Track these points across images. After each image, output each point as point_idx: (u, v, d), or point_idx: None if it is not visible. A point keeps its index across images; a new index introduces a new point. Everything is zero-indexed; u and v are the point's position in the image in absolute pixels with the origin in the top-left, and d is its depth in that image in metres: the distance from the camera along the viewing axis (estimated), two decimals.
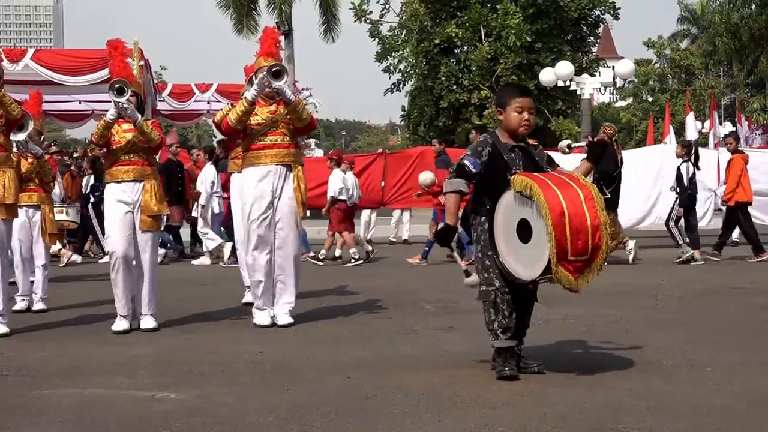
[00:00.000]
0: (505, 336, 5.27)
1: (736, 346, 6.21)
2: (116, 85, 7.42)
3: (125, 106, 7.37)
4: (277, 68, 7.54)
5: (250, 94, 7.59)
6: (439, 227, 5.42)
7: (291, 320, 7.54)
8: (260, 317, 7.60)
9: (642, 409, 4.49)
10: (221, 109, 8.05)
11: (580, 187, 5.00)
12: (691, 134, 21.79)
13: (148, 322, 7.42)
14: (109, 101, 7.55)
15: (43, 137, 9.93)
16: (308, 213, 9.13)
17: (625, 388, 4.95)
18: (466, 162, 5.29)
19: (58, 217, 12.91)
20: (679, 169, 13.40)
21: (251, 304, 7.97)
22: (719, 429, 4.15)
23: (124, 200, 7.48)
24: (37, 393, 5.12)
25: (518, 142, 5.38)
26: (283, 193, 7.62)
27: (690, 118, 22.12)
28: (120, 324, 7.37)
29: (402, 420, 4.38)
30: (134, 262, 7.54)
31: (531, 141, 5.57)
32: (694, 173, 13.35)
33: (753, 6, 38.72)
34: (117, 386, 5.28)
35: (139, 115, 7.51)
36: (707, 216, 15.89)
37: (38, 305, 8.82)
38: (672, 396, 4.75)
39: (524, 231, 5.05)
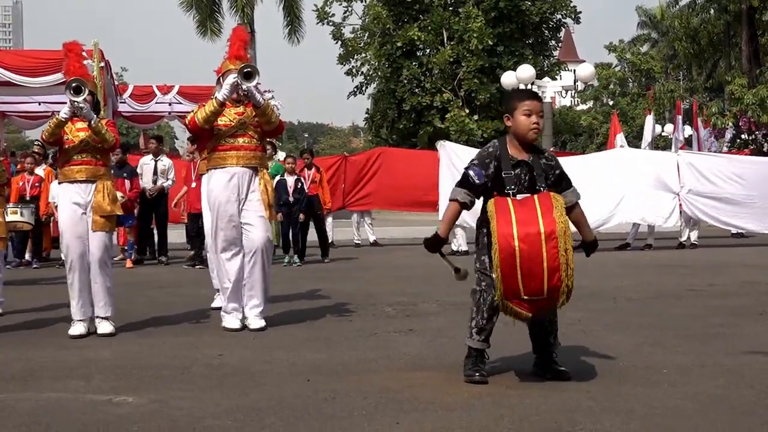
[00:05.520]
0: (479, 337, 5.27)
1: (691, 348, 6.29)
2: (73, 84, 7.34)
3: (81, 105, 7.30)
4: (248, 69, 7.52)
5: (220, 94, 7.55)
6: (430, 235, 5.31)
7: (263, 323, 7.49)
8: (230, 320, 7.55)
9: (597, 410, 4.53)
10: (192, 110, 7.99)
11: (546, 224, 4.85)
12: (648, 137, 21.90)
13: (104, 327, 7.35)
14: None
15: None
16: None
17: (582, 389, 4.99)
18: (471, 172, 5.23)
19: (12, 218, 12.76)
20: None
21: (221, 308, 7.93)
22: (672, 430, 4.20)
23: (77, 201, 7.41)
24: None
25: (528, 152, 5.26)
26: (250, 195, 7.58)
27: (649, 120, 22.19)
28: (76, 328, 7.31)
29: (360, 422, 4.39)
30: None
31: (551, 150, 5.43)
32: None
33: (711, 11, 39.28)
34: (74, 390, 5.23)
35: (95, 115, 7.45)
36: (673, 217, 16.05)
37: None
38: (627, 397, 4.80)
39: None
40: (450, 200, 5.32)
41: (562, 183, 5.34)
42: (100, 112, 7.82)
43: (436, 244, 5.29)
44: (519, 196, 5.11)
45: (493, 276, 5.06)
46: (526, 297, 4.87)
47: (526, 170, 5.24)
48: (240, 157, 7.58)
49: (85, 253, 7.40)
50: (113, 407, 4.81)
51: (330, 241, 17.94)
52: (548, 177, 5.28)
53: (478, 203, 5.37)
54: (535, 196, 5.07)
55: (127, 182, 14.24)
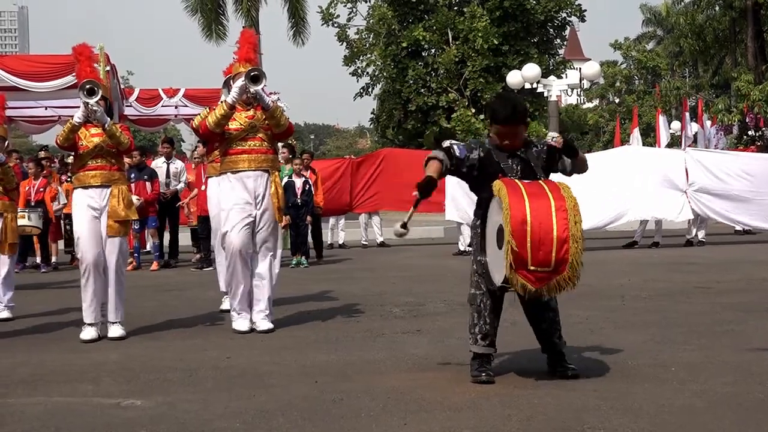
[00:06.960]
0: (484, 342, 5.29)
1: (699, 345, 6.28)
2: (87, 86, 7.36)
3: (95, 108, 7.32)
4: (255, 73, 7.52)
5: (230, 98, 7.56)
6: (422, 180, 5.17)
7: (271, 326, 7.50)
8: (239, 323, 7.56)
9: (605, 409, 4.53)
10: (199, 114, 8.00)
11: (555, 198, 4.90)
12: (664, 136, 21.73)
13: (115, 330, 7.36)
14: (75, 107, 7.48)
15: (7, 143, 9.83)
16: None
17: (590, 388, 4.99)
18: (454, 146, 5.30)
19: (20, 222, 12.75)
20: None
21: (230, 311, 7.94)
22: (681, 428, 4.20)
23: (92, 206, 7.43)
24: (2, 402, 5.09)
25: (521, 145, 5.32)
26: (262, 198, 7.60)
27: (662, 120, 22.04)
28: (88, 332, 7.30)
29: (367, 423, 4.39)
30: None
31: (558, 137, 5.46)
32: None
33: (717, 7, 39.14)
34: (82, 394, 5.26)
35: (108, 119, 7.47)
36: (684, 214, 15.99)
37: (3, 314, 8.68)
38: (635, 396, 4.80)
39: (500, 236, 5.00)
40: (430, 158, 5.31)
41: (554, 155, 5.40)
42: (113, 116, 7.83)
43: (429, 185, 5.14)
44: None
45: (485, 259, 5.08)
46: (532, 268, 4.84)
47: (518, 161, 5.29)
48: (252, 160, 7.60)
49: (101, 257, 7.42)
50: (121, 410, 4.83)
51: (342, 242, 18.10)
52: (543, 163, 5.35)
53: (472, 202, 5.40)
54: (540, 180, 5.12)
55: (147, 184, 14.24)
